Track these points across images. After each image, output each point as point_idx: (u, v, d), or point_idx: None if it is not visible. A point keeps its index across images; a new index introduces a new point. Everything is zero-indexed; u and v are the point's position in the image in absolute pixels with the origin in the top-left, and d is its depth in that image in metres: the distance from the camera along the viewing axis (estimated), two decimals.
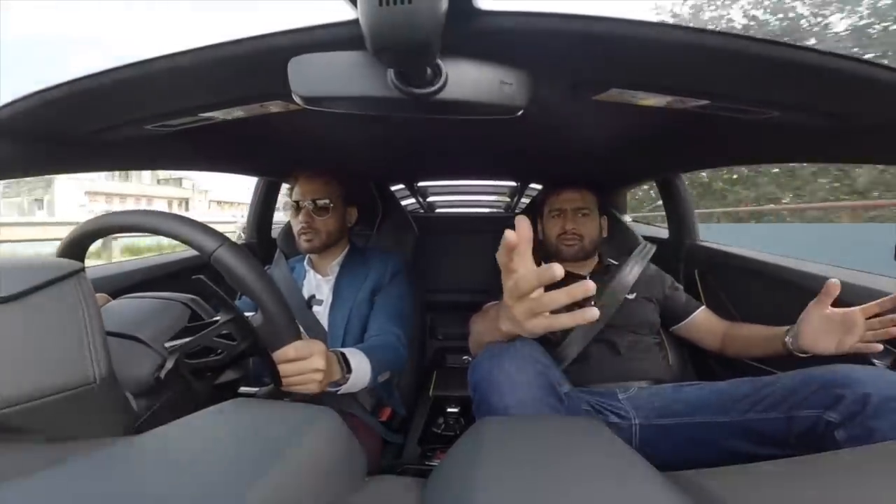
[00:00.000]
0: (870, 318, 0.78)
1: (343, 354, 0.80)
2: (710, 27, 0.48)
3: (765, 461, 0.37)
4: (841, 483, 0.35)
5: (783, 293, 1.08)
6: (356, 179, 1.28)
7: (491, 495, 0.29)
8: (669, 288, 1.19)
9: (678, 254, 1.46)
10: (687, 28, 0.47)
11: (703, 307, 1.17)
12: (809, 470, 0.37)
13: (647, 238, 1.37)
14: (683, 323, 1.15)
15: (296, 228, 1.13)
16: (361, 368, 0.84)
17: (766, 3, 13.30)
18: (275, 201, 1.78)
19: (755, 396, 0.76)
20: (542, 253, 1.27)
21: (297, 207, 1.12)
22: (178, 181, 28.88)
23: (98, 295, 0.60)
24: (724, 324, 1.11)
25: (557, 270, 0.48)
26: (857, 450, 0.41)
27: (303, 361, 0.65)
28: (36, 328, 0.44)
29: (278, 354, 0.64)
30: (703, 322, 1.14)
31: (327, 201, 1.12)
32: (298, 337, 0.66)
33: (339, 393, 0.82)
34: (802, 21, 12.36)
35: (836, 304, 0.81)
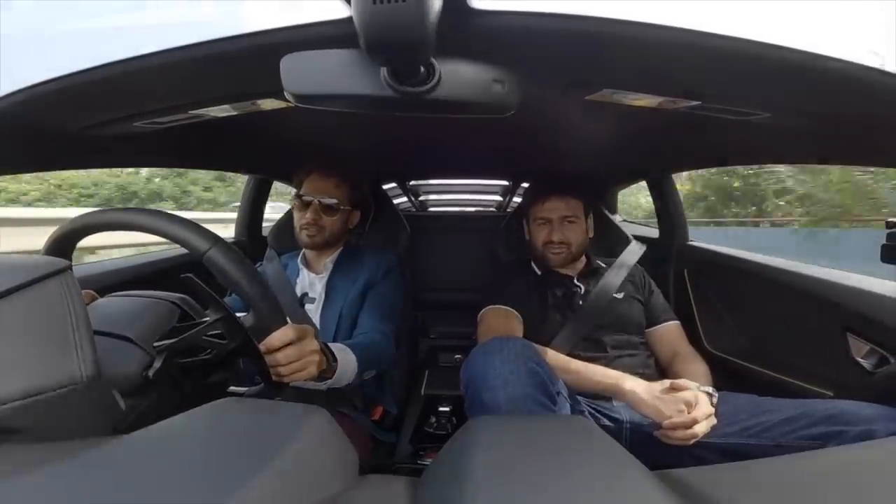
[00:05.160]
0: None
1: (327, 346, 0.79)
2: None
3: (755, 459, 0.38)
4: (832, 480, 0.35)
5: (772, 293, 1.09)
6: (363, 183, 1.27)
7: (483, 495, 0.29)
8: (648, 291, 1.21)
9: (668, 253, 1.48)
10: (680, 29, 0.47)
11: (676, 322, 1.16)
12: (800, 467, 0.37)
13: (637, 238, 1.38)
14: (651, 329, 1.15)
15: (299, 223, 1.12)
16: (347, 361, 0.83)
17: None
18: (265, 200, 1.77)
19: (748, 422, 0.78)
20: (531, 255, 1.28)
21: (304, 203, 1.12)
22: None
23: (84, 292, 0.59)
24: (683, 349, 1.10)
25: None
26: (848, 447, 0.42)
27: (296, 345, 0.64)
28: (22, 327, 0.43)
29: (269, 342, 0.62)
30: (664, 335, 1.14)
31: (335, 201, 1.12)
32: (285, 323, 0.65)
33: (325, 388, 0.81)
34: None
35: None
